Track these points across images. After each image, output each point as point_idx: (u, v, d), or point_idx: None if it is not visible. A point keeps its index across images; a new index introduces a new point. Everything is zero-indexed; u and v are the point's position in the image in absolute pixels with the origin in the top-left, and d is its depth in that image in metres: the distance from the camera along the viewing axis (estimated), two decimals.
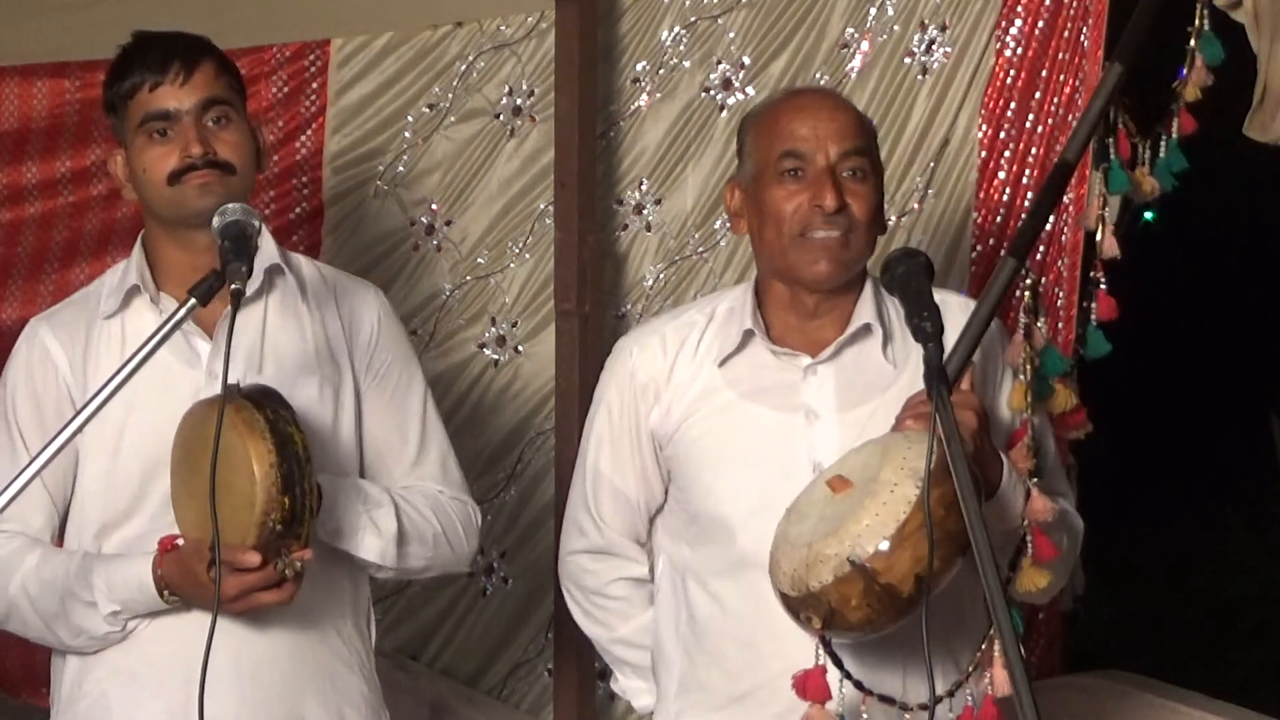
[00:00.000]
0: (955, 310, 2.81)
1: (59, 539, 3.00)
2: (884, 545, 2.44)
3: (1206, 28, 3.14)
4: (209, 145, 2.85)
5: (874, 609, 2.46)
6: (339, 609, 2.98)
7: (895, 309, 2.82)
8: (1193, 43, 3.13)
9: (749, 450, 2.78)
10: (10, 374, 2.98)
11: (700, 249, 4.26)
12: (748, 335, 2.81)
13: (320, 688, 2.95)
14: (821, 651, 2.61)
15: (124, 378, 2.48)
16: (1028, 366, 2.81)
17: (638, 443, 2.89)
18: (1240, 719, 3.95)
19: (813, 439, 2.76)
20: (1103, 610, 5.60)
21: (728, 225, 4.23)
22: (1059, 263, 3.87)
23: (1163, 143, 3.08)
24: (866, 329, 2.81)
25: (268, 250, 2.94)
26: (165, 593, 2.81)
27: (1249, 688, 5.14)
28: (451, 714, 4.13)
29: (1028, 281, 2.83)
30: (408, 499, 2.99)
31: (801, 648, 2.62)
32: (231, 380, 2.76)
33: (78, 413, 2.47)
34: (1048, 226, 3.65)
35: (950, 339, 2.72)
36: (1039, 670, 4.09)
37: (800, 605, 2.52)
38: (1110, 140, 3.03)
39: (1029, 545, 2.71)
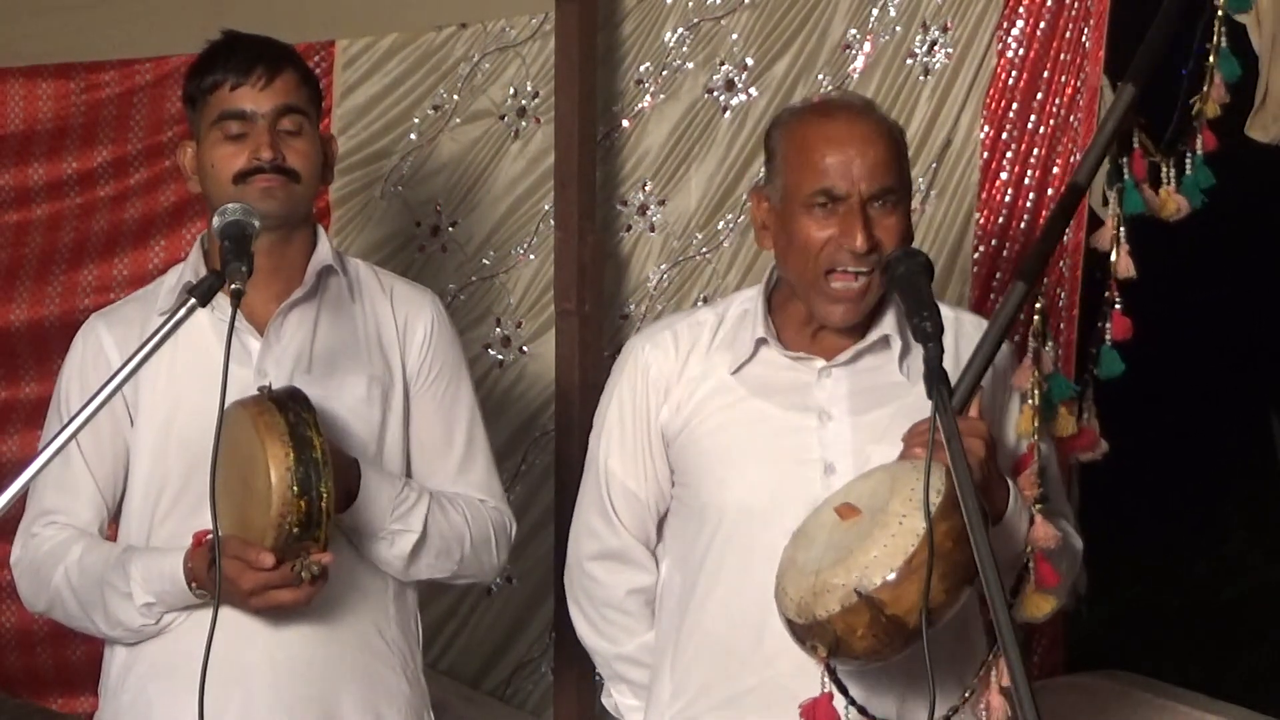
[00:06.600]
0: (969, 328, 2.81)
1: (115, 534, 3.03)
2: (891, 577, 2.44)
3: (1224, 45, 3.10)
4: (279, 151, 2.88)
5: (880, 639, 2.47)
6: (380, 610, 3.00)
7: None
8: (1211, 59, 3.08)
9: (762, 447, 2.76)
10: (66, 369, 3.01)
11: (704, 250, 4.27)
12: (760, 344, 2.78)
13: (357, 687, 2.96)
14: (827, 679, 2.59)
15: (123, 379, 2.49)
16: (1035, 391, 2.80)
17: (648, 441, 2.86)
18: (1240, 719, 3.96)
19: (825, 439, 2.74)
20: (1103, 610, 5.60)
21: (731, 226, 4.27)
22: (1060, 263, 3.88)
23: (1188, 160, 3.04)
24: (885, 341, 2.77)
25: (322, 252, 2.98)
26: (193, 586, 2.84)
27: (1249, 688, 5.13)
28: (454, 714, 4.13)
29: (1037, 306, 2.82)
30: (447, 512, 3.00)
31: None
32: (274, 380, 2.82)
33: (75, 415, 2.48)
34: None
35: (964, 359, 2.72)
36: (1039, 670, 4.10)
37: (806, 633, 2.52)
38: (1125, 160, 2.98)
39: (1031, 572, 2.71)
